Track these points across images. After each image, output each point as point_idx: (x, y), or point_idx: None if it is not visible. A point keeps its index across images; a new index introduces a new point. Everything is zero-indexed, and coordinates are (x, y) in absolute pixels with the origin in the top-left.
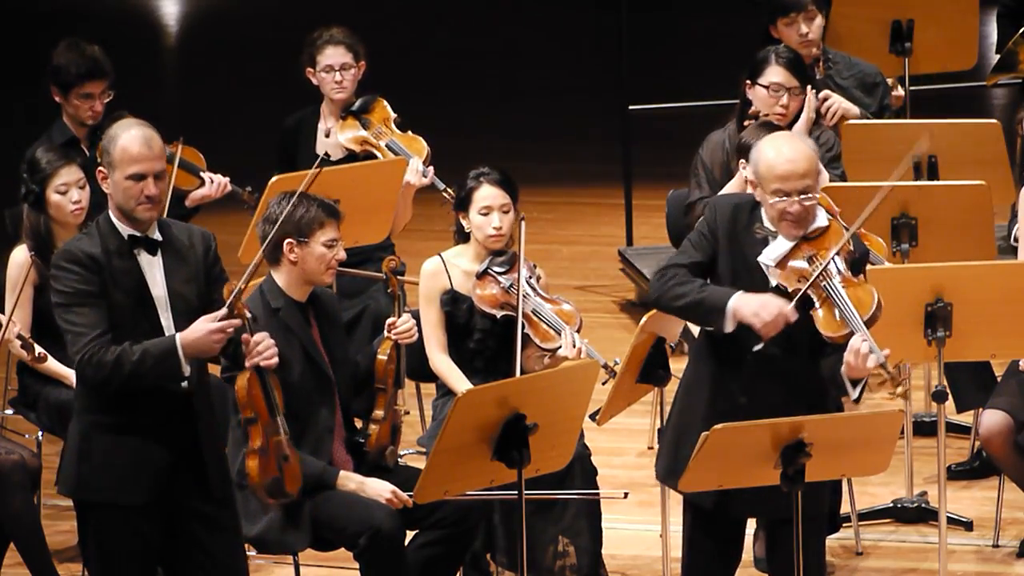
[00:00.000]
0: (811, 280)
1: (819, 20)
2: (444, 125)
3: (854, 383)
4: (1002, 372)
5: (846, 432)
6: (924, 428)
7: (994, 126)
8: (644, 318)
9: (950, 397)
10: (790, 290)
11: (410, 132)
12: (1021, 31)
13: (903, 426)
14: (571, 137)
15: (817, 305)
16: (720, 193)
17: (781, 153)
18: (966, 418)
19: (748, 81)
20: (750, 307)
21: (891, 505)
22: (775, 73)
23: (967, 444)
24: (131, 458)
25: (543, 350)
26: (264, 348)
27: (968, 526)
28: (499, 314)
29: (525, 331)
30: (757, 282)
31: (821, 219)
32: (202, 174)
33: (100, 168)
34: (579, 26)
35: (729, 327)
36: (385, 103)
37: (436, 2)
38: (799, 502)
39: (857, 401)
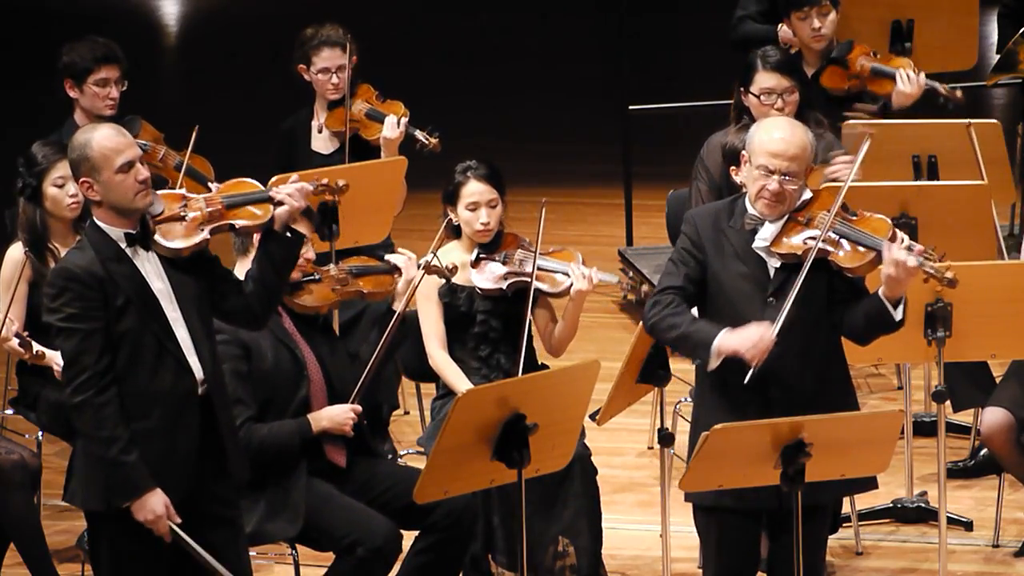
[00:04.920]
0: (822, 233)
1: (832, 15)
2: (443, 125)
3: (895, 305)
4: (1000, 372)
5: (846, 432)
6: (924, 428)
7: (994, 126)
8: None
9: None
10: (800, 255)
11: (388, 100)
12: (1021, 31)
13: (903, 426)
14: (571, 137)
15: (833, 251)
16: None
17: (779, 131)
18: (966, 418)
19: (742, 88)
20: (732, 343)
21: (891, 505)
22: (764, 79)
23: (967, 444)
24: (158, 462)
25: (558, 294)
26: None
27: (968, 526)
28: (506, 285)
29: (540, 286)
30: (758, 272)
31: (806, 195)
32: (209, 184)
33: (83, 180)
34: (579, 26)
35: (713, 364)
36: (368, 86)
37: (436, 3)
38: (799, 502)
39: (902, 322)
